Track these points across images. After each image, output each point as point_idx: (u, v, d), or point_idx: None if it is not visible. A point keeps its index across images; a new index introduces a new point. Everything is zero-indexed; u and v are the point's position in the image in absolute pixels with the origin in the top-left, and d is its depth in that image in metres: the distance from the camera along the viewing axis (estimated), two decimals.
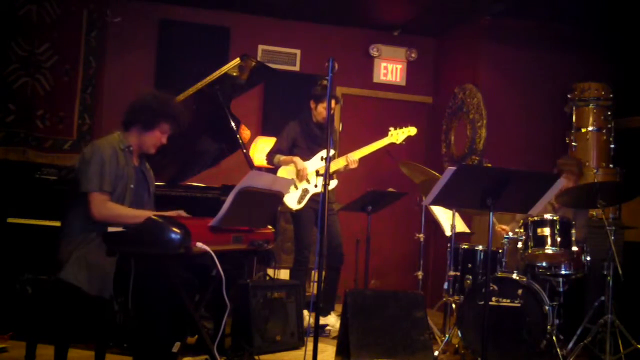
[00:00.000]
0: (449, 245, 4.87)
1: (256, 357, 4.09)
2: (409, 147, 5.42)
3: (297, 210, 5.15)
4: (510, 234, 4.74)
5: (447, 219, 5.09)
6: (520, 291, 4.29)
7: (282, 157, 5.22)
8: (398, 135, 5.22)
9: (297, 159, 5.16)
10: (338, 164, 5.16)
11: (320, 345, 3.94)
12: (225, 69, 4.28)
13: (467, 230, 5.51)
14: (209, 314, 4.05)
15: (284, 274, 5.95)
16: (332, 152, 4.65)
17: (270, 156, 5.30)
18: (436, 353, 4.34)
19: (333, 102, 5.12)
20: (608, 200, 4.41)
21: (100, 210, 3.13)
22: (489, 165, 5.02)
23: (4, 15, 5.95)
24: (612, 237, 4.36)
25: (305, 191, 5.14)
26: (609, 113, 5.91)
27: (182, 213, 3.34)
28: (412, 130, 5.24)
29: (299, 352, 4.46)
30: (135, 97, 3.43)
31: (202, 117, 4.48)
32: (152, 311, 2.97)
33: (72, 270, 3.06)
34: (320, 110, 5.22)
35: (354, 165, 5.17)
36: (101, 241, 3.02)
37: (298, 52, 7.02)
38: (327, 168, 3.57)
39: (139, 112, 3.35)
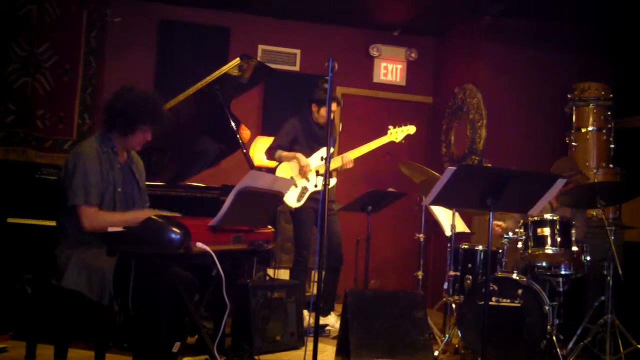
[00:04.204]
0: (449, 245, 4.87)
1: (256, 357, 4.09)
2: (409, 147, 5.42)
3: (296, 209, 5.15)
4: (510, 233, 4.74)
5: (447, 219, 5.09)
6: (520, 291, 4.29)
7: (284, 153, 5.19)
8: (397, 133, 5.21)
9: (300, 155, 5.14)
10: (335, 163, 5.15)
11: (320, 345, 3.94)
12: (225, 69, 4.27)
13: (467, 230, 5.50)
14: (209, 314, 4.06)
15: (284, 274, 5.94)
16: (331, 150, 4.65)
17: (270, 151, 5.27)
18: (436, 353, 4.35)
19: (335, 104, 5.11)
20: (608, 200, 4.41)
21: (91, 223, 3.09)
22: (489, 165, 5.02)
23: (4, 15, 5.95)
24: (612, 237, 4.36)
25: (305, 189, 5.13)
26: (609, 113, 5.90)
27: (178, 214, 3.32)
28: (411, 129, 5.24)
29: (299, 352, 4.46)
30: (110, 97, 3.30)
31: (202, 117, 4.48)
32: (152, 311, 2.97)
33: (71, 276, 3.03)
34: (323, 114, 5.21)
35: (349, 165, 5.17)
36: (99, 243, 3.02)
37: (298, 52, 7.02)
38: (327, 168, 3.57)
39: (115, 117, 3.24)
